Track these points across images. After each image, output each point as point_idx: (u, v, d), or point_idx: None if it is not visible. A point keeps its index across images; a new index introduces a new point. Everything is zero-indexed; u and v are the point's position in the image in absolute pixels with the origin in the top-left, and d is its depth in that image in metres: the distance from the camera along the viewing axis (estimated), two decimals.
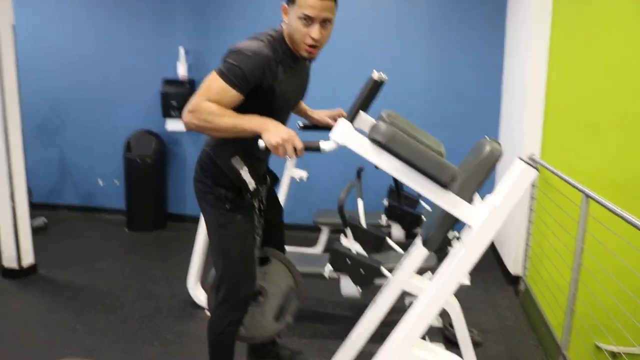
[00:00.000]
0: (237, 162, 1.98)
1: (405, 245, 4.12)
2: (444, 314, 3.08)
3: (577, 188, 2.84)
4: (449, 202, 1.55)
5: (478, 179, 1.71)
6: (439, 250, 3.57)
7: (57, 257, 4.28)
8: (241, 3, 4.91)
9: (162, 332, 3.11)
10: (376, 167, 1.60)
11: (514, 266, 3.94)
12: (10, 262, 3.81)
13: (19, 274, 3.81)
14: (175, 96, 4.92)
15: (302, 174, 4.39)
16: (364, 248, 3.55)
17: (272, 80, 1.89)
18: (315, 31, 1.84)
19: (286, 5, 1.88)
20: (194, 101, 1.81)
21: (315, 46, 1.89)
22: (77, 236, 4.85)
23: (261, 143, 1.70)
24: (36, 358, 2.81)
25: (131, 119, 5.20)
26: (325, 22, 1.85)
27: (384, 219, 4.12)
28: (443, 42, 4.72)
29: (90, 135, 5.38)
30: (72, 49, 5.27)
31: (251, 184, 2.02)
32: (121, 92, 5.26)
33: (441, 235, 1.77)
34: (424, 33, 4.74)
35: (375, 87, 2.14)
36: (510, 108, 4.40)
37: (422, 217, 4.03)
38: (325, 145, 1.62)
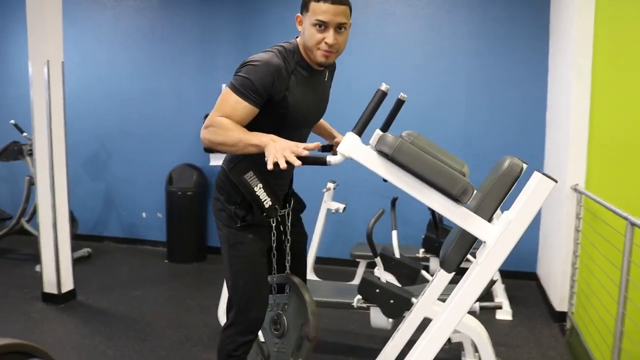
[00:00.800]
0: (251, 178, 1.93)
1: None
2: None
3: (620, 215, 2.67)
4: (461, 216, 1.47)
5: (498, 195, 1.63)
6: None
7: (97, 285, 4.36)
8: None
9: (188, 359, 3.09)
10: (385, 181, 1.55)
11: (560, 302, 3.72)
12: (50, 288, 3.91)
13: (58, 300, 3.90)
14: None
15: (339, 206, 4.35)
16: (398, 279, 3.46)
17: (284, 90, 1.86)
18: (330, 36, 1.83)
19: (300, 15, 1.90)
20: (209, 117, 1.83)
21: (331, 51, 1.88)
22: (118, 266, 4.95)
23: (270, 165, 1.65)
24: None
25: (174, 153, 5.34)
26: (340, 27, 1.85)
27: (421, 252, 4.00)
28: (484, 72, 4.65)
29: (135, 169, 5.54)
30: (120, 87, 5.50)
31: (267, 201, 1.96)
32: (166, 128, 5.42)
33: (459, 255, 1.68)
34: (464, 64, 4.69)
35: (397, 106, 2.11)
36: (554, 139, 4.25)
37: None
38: (332, 159, 1.58)
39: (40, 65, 3.75)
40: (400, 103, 2.10)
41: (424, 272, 3.43)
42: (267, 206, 1.97)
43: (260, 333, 2.21)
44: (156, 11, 5.35)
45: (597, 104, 3.54)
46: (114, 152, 5.60)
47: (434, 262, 3.99)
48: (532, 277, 4.63)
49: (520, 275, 4.65)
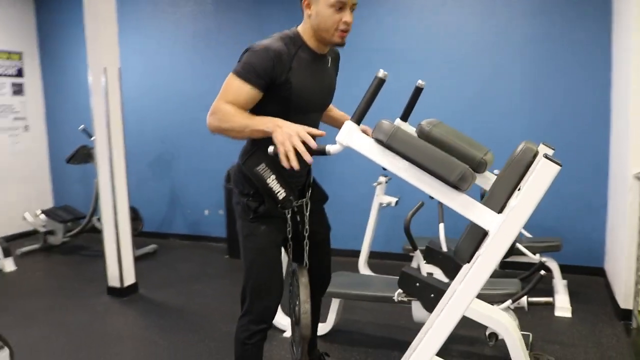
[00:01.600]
0: (263, 170, 1.94)
1: (497, 274, 3.86)
2: None
3: None
4: (462, 204, 1.41)
5: (509, 182, 1.56)
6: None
7: (159, 280, 4.56)
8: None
9: (222, 350, 3.15)
10: (384, 169, 1.52)
11: (625, 299, 3.48)
12: (114, 282, 4.14)
13: (121, 293, 4.12)
14: None
15: (390, 199, 4.30)
16: (445, 273, 3.38)
17: (285, 73, 1.88)
18: (347, 15, 1.88)
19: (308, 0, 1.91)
20: (214, 104, 1.88)
21: (347, 31, 1.92)
22: (180, 261, 5.15)
23: (270, 148, 1.70)
24: None
25: (232, 152, 5.44)
26: (353, 7, 1.90)
27: None
28: (543, 55, 4.41)
29: (197, 169, 5.74)
30: (181, 89, 5.71)
31: (280, 193, 1.97)
32: None
33: (471, 245, 1.61)
34: (521, 48, 4.47)
35: (416, 94, 2.06)
36: (617, 125, 3.98)
37: (517, 244, 3.73)
38: (331, 148, 1.57)
39: (98, 72, 3.98)
40: (418, 91, 2.06)
41: None
42: (281, 198, 1.98)
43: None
44: (212, 16, 5.52)
45: None
46: (177, 152, 5.83)
47: None
48: (600, 272, 4.35)
49: (587, 271, 4.39)
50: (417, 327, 3.30)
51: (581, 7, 4.26)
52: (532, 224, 4.27)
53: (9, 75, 5.98)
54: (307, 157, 1.64)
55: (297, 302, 2.10)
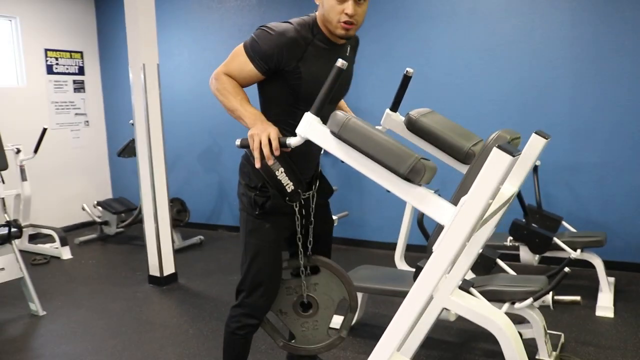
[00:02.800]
0: (273, 162, 1.88)
1: (534, 270, 3.67)
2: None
3: None
4: (417, 197, 1.35)
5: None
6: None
7: (200, 270, 4.70)
8: (375, 33, 4.91)
9: (258, 341, 3.19)
10: (342, 162, 1.47)
11: None
12: (154, 271, 4.31)
13: (161, 282, 4.28)
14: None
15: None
16: (473, 269, 3.26)
17: (296, 60, 1.85)
18: (349, 7, 1.80)
19: None
20: (219, 69, 1.92)
21: (351, 22, 1.84)
22: (223, 252, 5.28)
23: (237, 141, 1.71)
24: (138, 352, 3.11)
25: None
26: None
27: (509, 240, 3.71)
28: (591, 40, 4.12)
29: None
30: None
31: (289, 185, 1.93)
32: None
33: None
34: (567, 32, 4.20)
35: (404, 82, 2.00)
36: None
37: (555, 239, 3.54)
38: (291, 141, 1.55)
39: (138, 69, 4.13)
40: (406, 79, 1.99)
41: (499, 262, 3.18)
42: (289, 190, 1.95)
43: (278, 319, 2.25)
44: (255, 10, 5.58)
45: None
46: (224, 146, 5.96)
47: (523, 251, 3.68)
48: None
49: (637, 268, 4.10)
50: (440, 322, 3.24)
51: None
52: (578, 217, 4.09)
53: (71, 74, 6.35)
54: (266, 151, 1.67)
55: (313, 290, 2.14)
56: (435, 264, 1.34)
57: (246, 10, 5.63)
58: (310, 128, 1.48)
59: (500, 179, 1.22)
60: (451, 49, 4.61)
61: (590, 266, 3.61)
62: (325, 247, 2.30)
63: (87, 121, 6.55)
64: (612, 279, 3.79)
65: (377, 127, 2.12)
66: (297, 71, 1.86)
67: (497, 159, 1.22)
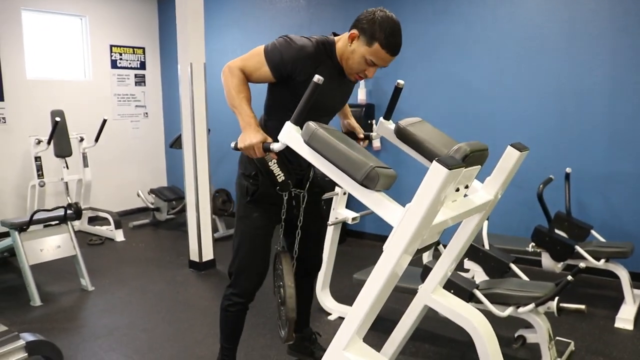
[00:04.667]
0: (272, 162, 2.11)
1: (555, 277, 3.68)
2: None
3: None
4: (372, 201, 1.49)
5: None
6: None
7: None
8: (416, 31, 5.00)
9: (259, 337, 3.33)
10: (313, 166, 1.64)
11: None
12: (194, 257, 4.62)
13: (200, 267, 4.59)
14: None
15: None
16: (486, 272, 3.34)
17: (308, 75, 1.96)
18: (371, 72, 2.04)
19: (357, 35, 2.00)
20: (236, 61, 2.09)
21: (364, 78, 2.09)
22: None
23: (232, 144, 1.91)
24: (169, 328, 3.39)
25: None
26: (383, 66, 2.04)
27: (531, 246, 3.73)
28: (633, 50, 4.04)
29: None
30: None
31: (280, 176, 2.12)
32: None
33: None
34: (608, 41, 4.13)
35: (395, 93, 2.13)
36: None
37: (577, 247, 3.54)
38: (274, 146, 1.73)
39: (185, 67, 4.43)
40: (397, 90, 2.12)
41: (513, 266, 3.22)
42: (280, 180, 2.15)
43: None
44: (304, 11, 5.78)
45: None
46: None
47: (545, 258, 3.68)
48: None
49: None
50: (445, 319, 3.32)
51: None
52: (609, 227, 4.03)
53: (133, 68, 6.80)
54: (251, 154, 1.89)
55: (282, 284, 2.27)
56: (385, 260, 1.48)
57: (295, 11, 5.84)
58: (289, 136, 1.66)
59: (439, 188, 1.35)
60: (489, 54, 4.62)
61: (618, 277, 3.58)
62: (316, 242, 2.48)
63: (147, 113, 7.00)
64: (639, 292, 3.73)
65: (372, 133, 2.29)
66: (304, 85, 2.00)
67: (436, 171, 1.35)
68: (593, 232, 3.84)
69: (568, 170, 4.02)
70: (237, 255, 2.31)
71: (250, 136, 1.91)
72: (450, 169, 1.33)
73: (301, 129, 1.64)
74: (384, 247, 1.49)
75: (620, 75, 4.07)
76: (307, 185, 2.32)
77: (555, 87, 4.35)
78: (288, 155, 2.11)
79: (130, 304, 3.88)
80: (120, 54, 6.64)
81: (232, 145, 1.94)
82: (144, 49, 6.91)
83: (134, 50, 6.80)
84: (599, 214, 4.21)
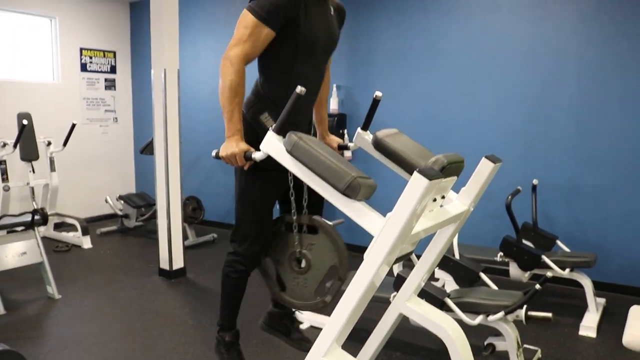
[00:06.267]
0: (266, 119, 2.08)
1: (523, 286, 3.77)
2: None
3: None
4: (353, 210, 1.52)
5: None
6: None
7: (208, 266, 4.94)
8: (389, 44, 5.08)
9: (249, 336, 3.38)
10: (296, 177, 1.66)
11: None
12: (164, 264, 4.57)
13: (170, 275, 4.54)
14: None
15: None
16: (456, 281, 3.40)
17: (297, 9, 2.01)
18: None
19: None
20: (233, 48, 2.01)
21: None
22: None
23: (213, 152, 1.92)
24: (139, 336, 3.35)
25: None
26: None
27: (499, 256, 3.82)
28: (596, 63, 4.20)
29: None
30: (247, 88, 6.07)
31: None
32: None
33: None
34: (574, 54, 4.28)
35: (373, 105, 2.17)
36: None
37: (544, 257, 3.64)
38: (256, 155, 1.75)
39: (159, 72, 4.40)
40: (375, 102, 2.16)
41: (482, 275, 3.30)
42: None
43: (274, 267, 2.33)
44: None
45: None
46: None
47: (513, 268, 3.78)
48: None
49: (630, 291, 4.15)
50: (416, 328, 3.37)
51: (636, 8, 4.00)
52: (574, 238, 4.16)
53: (103, 72, 6.71)
54: (234, 163, 1.92)
55: (307, 249, 2.19)
56: (365, 269, 1.51)
57: None
58: (272, 146, 1.68)
59: (419, 198, 1.39)
60: (459, 67, 4.73)
61: (583, 286, 3.69)
62: (318, 212, 2.41)
63: (116, 118, 6.90)
64: (602, 300, 3.85)
65: (349, 143, 2.33)
66: (297, 21, 2.03)
67: (416, 181, 1.39)
68: (558, 242, 3.96)
69: (535, 182, 4.13)
70: (241, 225, 2.28)
71: (233, 145, 1.92)
72: (430, 180, 1.37)
73: (284, 137, 1.66)
74: (365, 255, 1.51)
75: (585, 90, 4.22)
76: None
77: (524, 101, 4.48)
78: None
79: (99, 313, 3.81)
80: (91, 57, 6.54)
81: (214, 154, 1.95)
82: (114, 52, 6.83)
83: (104, 54, 6.71)
84: (564, 225, 4.34)
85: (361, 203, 1.54)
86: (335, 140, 2.51)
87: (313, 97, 2.29)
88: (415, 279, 2.06)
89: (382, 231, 1.45)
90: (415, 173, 1.39)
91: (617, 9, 4.07)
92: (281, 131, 1.68)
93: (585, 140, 4.25)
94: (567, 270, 3.64)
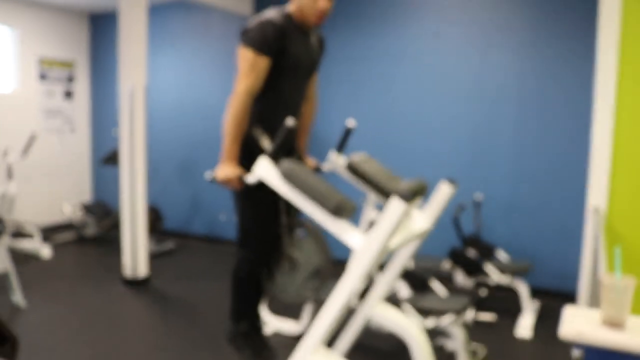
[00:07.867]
0: (257, 132, 2.35)
1: (468, 291, 4.16)
2: None
3: None
4: (338, 229, 1.80)
5: None
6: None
7: (172, 275, 5.09)
8: (345, 74, 5.42)
9: (219, 339, 3.57)
10: (286, 199, 1.93)
11: None
12: (128, 273, 4.69)
13: (134, 284, 4.67)
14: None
15: None
16: (410, 287, 3.74)
17: (284, 40, 2.32)
18: (323, 2, 2.33)
19: None
20: (240, 85, 2.30)
21: (324, 14, 2.38)
22: (195, 260, 5.68)
23: (207, 176, 2.16)
24: (107, 344, 3.49)
25: None
26: None
27: (447, 264, 4.19)
28: (535, 89, 4.67)
29: None
30: (205, 102, 6.26)
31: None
32: None
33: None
34: (515, 80, 4.75)
35: (346, 132, 2.46)
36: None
37: (485, 265, 4.03)
38: (249, 178, 2.01)
39: (126, 87, 4.54)
40: (348, 131, 2.45)
41: (432, 281, 3.65)
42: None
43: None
44: (236, 40, 6.03)
45: (622, 122, 3.49)
46: (200, 160, 6.37)
47: (459, 276, 4.16)
48: (573, 297, 4.56)
49: (562, 295, 4.61)
50: (384, 334, 3.69)
51: (567, 44, 4.50)
52: (514, 248, 4.60)
53: (61, 82, 6.71)
54: (229, 186, 2.15)
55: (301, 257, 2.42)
56: (348, 278, 1.79)
57: (228, 39, 6.09)
58: (263, 170, 1.93)
59: (398, 219, 1.68)
60: (410, 92, 5.12)
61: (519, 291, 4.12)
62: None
63: (73, 128, 6.91)
64: (536, 304, 4.29)
65: (324, 163, 2.61)
66: (284, 49, 2.34)
67: (396, 204, 1.68)
68: (499, 251, 4.38)
69: (478, 197, 4.55)
70: (247, 230, 2.50)
71: (230, 170, 2.17)
72: (408, 202, 1.66)
73: (277, 163, 1.92)
74: (348, 266, 1.79)
75: (524, 115, 4.70)
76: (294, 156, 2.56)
77: (469, 125, 4.91)
78: (276, 132, 2.25)
79: (64, 322, 3.90)
80: (49, 67, 6.54)
81: (209, 177, 2.17)
82: (72, 62, 6.85)
83: (63, 64, 6.72)
84: (504, 235, 4.79)
85: (345, 221, 1.82)
86: (311, 163, 2.78)
87: (296, 109, 2.56)
88: (384, 286, 2.35)
89: (365, 246, 1.73)
90: (395, 197, 1.68)
91: (552, 41, 4.57)
92: (275, 157, 1.94)
93: (522, 160, 4.71)
94: (507, 276, 4.05)
